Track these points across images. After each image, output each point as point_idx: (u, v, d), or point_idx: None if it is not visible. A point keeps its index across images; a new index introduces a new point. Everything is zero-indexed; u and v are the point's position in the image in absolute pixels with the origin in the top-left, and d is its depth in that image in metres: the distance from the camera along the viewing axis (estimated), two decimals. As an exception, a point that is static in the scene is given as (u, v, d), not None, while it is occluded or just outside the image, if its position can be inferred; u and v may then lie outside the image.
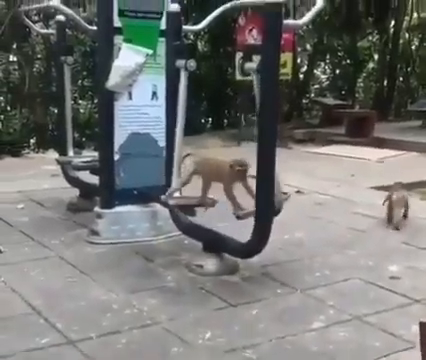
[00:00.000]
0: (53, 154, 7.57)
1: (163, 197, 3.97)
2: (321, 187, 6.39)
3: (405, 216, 5.04)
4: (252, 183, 3.59)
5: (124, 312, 3.19)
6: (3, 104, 12.82)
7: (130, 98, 4.43)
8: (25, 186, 6.19)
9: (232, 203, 3.73)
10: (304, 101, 16.48)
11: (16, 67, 12.99)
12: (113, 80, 4.30)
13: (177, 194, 4.06)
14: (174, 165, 4.02)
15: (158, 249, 4.25)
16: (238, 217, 3.71)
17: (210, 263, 3.77)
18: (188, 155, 4.08)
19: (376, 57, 17.77)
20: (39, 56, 13.53)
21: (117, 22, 4.34)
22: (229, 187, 3.72)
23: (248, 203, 3.68)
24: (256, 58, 3.54)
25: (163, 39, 4.38)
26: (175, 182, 4.01)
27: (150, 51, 4.42)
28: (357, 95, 17.74)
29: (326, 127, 11.88)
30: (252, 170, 3.60)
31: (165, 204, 4.02)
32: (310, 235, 4.62)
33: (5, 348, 2.76)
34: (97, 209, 4.46)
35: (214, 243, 3.87)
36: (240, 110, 12.13)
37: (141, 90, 4.44)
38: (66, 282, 3.61)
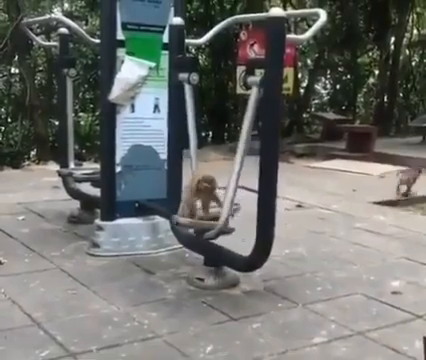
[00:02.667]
0: (54, 166, 7.58)
1: (174, 220, 3.80)
2: (322, 202, 6.38)
3: (409, 189, 6.84)
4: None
5: (125, 325, 3.17)
6: (4, 116, 12.86)
7: (133, 111, 4.43)
8: (26, 198, 6.18)
9: (186, 208, 3.70)
10: (304, 116, 16.53)
11: (17, 79, 13.05)
12: (115, 92, 4.30)
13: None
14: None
15: (159, 262, 4.23)
16: (177, 223, 3.71)
17: (211, 277, 3.75)
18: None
19: (376, 73, 17.85)
20: (40, 68, 13.60)
21: (120, 35, 4.34)
22: (192, 199, 3.69)
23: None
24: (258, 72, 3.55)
25: (166, 52, 4.39)
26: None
27: (153, 64, 4.43)
28: (357, 110, 17.79)
29: (327, 142, 11.90)
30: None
31: (176, 224, 3.86)
32: (311, 249, 4.61)
33: (5, 360, 2.75)
34: (98, 221, 4.45)
35: (215, 257, 3.86)
36: (240, 124, 12.17)
37: (143, 103, 4.45)
38: (66, 294, 3.59)
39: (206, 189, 3.65)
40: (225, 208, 3.53)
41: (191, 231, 3.89)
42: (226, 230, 3.60)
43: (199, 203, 3.75)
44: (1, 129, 12.63)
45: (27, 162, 11.41)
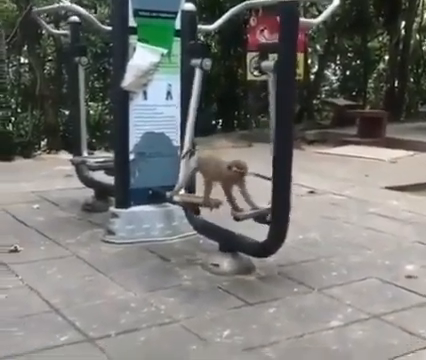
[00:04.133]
0: (65, 155, 7.63)
1: (168, 193, 3.99)
2: (335, 187, 6.38)
3: None
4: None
5: (142, 310, 3.19)
6: (14, 106, 12.88)
7: (145, 98, 4.44)
8: (39, 186, 6.21)
9: (230, 204, 3.72)
10: (315, 102, 16.46)
11: (27, 69, 13.07)
12: (128, 80, 4.31)
13: (182, 191, 4.06)
14: (180, 161, 4.02)
15: (174, 249, 4.25)
16: (236, 219, 3.70)
17: (226, 262, 3.77)
18: (191, 152, 4.04)
19: (387, 58, 17.72)
20: (50, 58, 13.60)
21: (132, 22, 4.34)
22: (227, 188, 3.70)
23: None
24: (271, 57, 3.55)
25: (178, 38, 4.39)
26: (181, 179, 4.01)
27: (165, 50, 4.43)
28: (368, 96, 17.69)
29: (337, 128, 11.87)
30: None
31: (170, 200, 4.03)
32: (325, 235, 4.61)
33: (23, 346, 2.77)
34: (112, 209, 4.47)
35: (230, 242, 3.87)
36: (250, 111, 12.13)
37: (156, 90, 4.45)
38: (83, 281, 3.62)
39: (237, 175, 3.61)
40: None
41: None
42: None
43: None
44: (11, 119, 12.64)
45: (38, 152, 11.44)
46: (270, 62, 3.49)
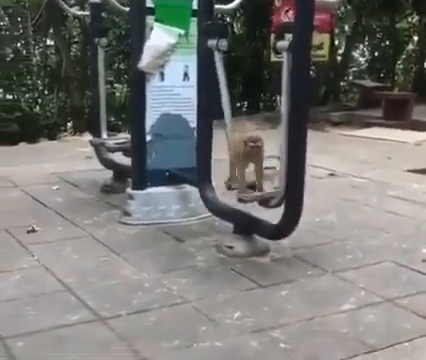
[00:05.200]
0: (89, 137, 7.66)
1: (240, 196, 3.72)
2: (356, 170, 6.30)
3: None
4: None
5: (154, 291, 3.21)
6: (41, 88, 13.00)
7: (162, 79, 4.42)
8: (60, 168, 6.27)
9: (240, 184, 3.68)
10: (342, 84, 16.25)
11: (53, 51, 13.17)
12: (145, 60, 4.30)
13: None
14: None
15: (189, 230, 4.26)
16: (241, 200, 3.66)
17: (240, 244, 3.76)
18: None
19: (416, 38, 17.39)
20: (76, 40, 13.68)
21: (149, 2, 4.32)
22: (242, 166, 3.65)
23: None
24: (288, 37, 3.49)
25: (195, 19, 4.35)
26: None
27: (182, 31, 4.40)
28: (396, 78, 17.40)
29: (363, 110, 11.70)
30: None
31: (242, 201, 3.76)
32: (343, 218, 4.57)
33: (35, 324, 2.81)
34: (129, 190, 4.49)
35: (245, 225, 3.86)
36: (275, 92, 12.04)
37: (173, 71, 4.43)
38: (98, 261, 3.65)
39: (253, 150, 3.56)
40: (282, 173, 3.49)
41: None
42: None
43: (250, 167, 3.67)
44: (38, 101, 12.76)
45: (64, 134, 11.56)
46: (285, 42, 3.44)
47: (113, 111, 11.47)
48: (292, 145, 3.43)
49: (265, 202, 3.63)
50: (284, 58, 3.46)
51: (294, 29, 3.39)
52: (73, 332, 2.75)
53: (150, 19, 4.35)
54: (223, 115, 3.92)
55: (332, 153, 7.22)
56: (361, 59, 18.94)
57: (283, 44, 3.47)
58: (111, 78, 13.09)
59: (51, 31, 12.41)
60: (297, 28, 3.35)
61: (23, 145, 8.56)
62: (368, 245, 3.96)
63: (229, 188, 3.84)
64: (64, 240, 4.02)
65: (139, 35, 4.37)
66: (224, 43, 3.92)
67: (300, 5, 3.36)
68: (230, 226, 3.94)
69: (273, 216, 3.59)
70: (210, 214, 4.27)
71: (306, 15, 3.35)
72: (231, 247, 3.76)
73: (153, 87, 4.40)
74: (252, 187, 3.70)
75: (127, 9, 5.41)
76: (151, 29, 4.34)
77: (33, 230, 4.17)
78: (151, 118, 4.42)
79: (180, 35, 4.41)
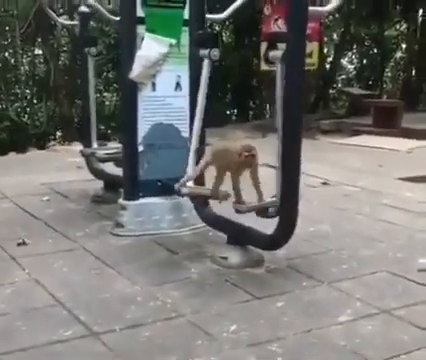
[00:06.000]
0: (78, 146, 7.60)
1: (176, 185, 3.91)
2: (348, 178, 6.29)
3: None
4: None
5: (148, 304, 3.16)
6: (29, 97, 12.93)
7: (154, 89, 4.39)
8: (50, 178, 6.20)
9: (235, 195, 3.66)
10: (331, 91, 16.32)
11: (41, 60, 13.10)
12: (136, 70, 4.26)
13: (191, 183, 3.98)
14: (190, 154, 3.95)
15: (182, 241, 4.21)
16: (238, 211, 3.64)
17: (234, 255, 3.72)
18: (204, 146, 3.98)
19: (404, 46, 17.50)
20: (64, 49, 13.62)
21: (140, 12, 4.29)
22: (235, 177, 3.63)
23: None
24: (281, 47, 3.47)
25: (187, 28, 4.32)
26: (190, 171, 3.94)
27: (173, 41, 4.37)
28: (384, 85, 17.49)
29: (353, 117, 11.73)
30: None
31: (178, 192, 3.96)
32: (337, 227, 4.54)
33: (28, 340, 2.75)
34: (121, 201, 4.44)
35: (239, 235, 3.82)
36: (265, 101, 12.04)
37: (165, 81, 4.39)
38: (90, 274, 3.59)
39: (248, 159, 3.53)
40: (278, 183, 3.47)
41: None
42: None
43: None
44: (26, 110, 12.69)
45: (52, 143, 11.48)
46: (278, 52, 3.42)
47: (102, 120, 11.40)
48: (286, 154, 3.40)
49: (263, 212, 3.59)
50: (277, 68, 3.44)
51: (287, 39, 3.37)
52: (66, 348, 2.70)
53: (141, 29, 4.31)
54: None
55: (324, 162, 7.21)
56: (349, 67, 19.04)
57: (276, 54, 3.45)
58: (100, 87, 13.03)
59: (39, 40, 12.34)
60: (291, 38, 3.33)
61: (12, 155, 8.49)
62: (363, 255, 3.93)
63: (216, 198, 3.83)
64: (55, 253, 3.96)
65: (130, 45, 4.33)
66: (216, 53, 3.90)
67: (293, 15, 3.33)
68: (224, 237, 3.90)
69: (267, 226, 3.55)
70: (203, 224, 4.23)
71: (299, 25, 3.33)
72: (225, 258, 3.72)
73: (145, 97, 4.36)
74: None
75: (116, 18, 5.40)
76: (142, 39, 4.30)
77: (23, 243, 4.11)
78: (143, 128, 4.37)
79: (171, 45, 4.38)
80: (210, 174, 3.84)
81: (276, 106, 3.51)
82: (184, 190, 3.93)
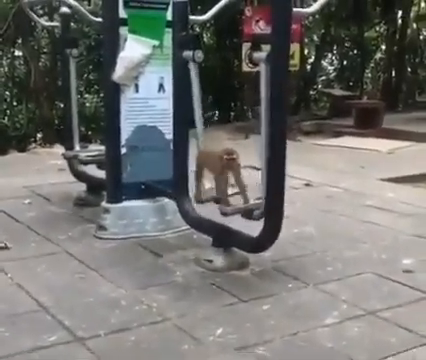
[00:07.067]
0: (60, 149, 7.53)
1: (222, 209, 3.64)
2: (331, 179, 6.31)
3: None
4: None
5: (133, 308, 3.12)
6: (9, 99, 12.80)
7: (137, 91, 4.35)
8: (31, 181, 6.13)
9: (220, 197, 3.64)
10: (311, 92, 16.39)
11: (21, 62, 12.97)
12: (119, 72, 4.22)
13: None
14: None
15: (167, 244, 4.18)
16: (224, 214, 3.61)
17: (220, 258, 3.69)
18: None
19: (384, 47, 17.65)
20: (45, 50, 13.51)
21: (122, 13, 4.25)
22: (219, 179, 3.61)
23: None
24: (265, 48, 3.46)
25: (170, 30, 4.29)
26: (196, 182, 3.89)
27: (156, 42, 4.34)
28: (365, 86, 17.62)
29: (334, 119, 11.80)
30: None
31: (225, 214, 3.65)
32: (321, 229, 4.54)
33: (12, 346, 2.70)
34: (104, 204, 4.40)
35: (224, 237, 3.80)
36: (247, 103, 12.05)
37: (148, 82, 4.37)
38: (74, 278, 3.55)
39: (229, 163, 3.52)
40: (263, 184, 3.44)
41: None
42: None
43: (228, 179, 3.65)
44: (7, 112, 12.57)
45: (33, 145, 11.37)
46: (262, 53, 3.41)
47: (83, 121, 11.34)
48: (271, 156, 3.39)
49: (248, 214, 3.58)
50: (261, 69, 3.43)
51: (271, 40, 3.36)
52: (51, 354, 2.65)
53: (123, 30, 4.28)
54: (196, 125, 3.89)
55: (306, 163, 7.22)
56: (330, 68, 19.14)
57: (260, 55, 3.44)
58: (81, 88, 12.94)
59: (19, 42, 12.22)
60: (275, 39, 3.32)
61: (-8, 157, 8.39)
62: (348, 256, 3.93)
63: (199, 201, 3.82)
64: (38, 257, 3.90)
65: (112, 46, 4.29)
66: (200, 54, 3.88)
67: (277, 16, 3.32)
68: (209, 239, 3.87)
69: (253, 228, 3.54)
70: (188, 227, 4.21)
71: (284, 26, 3.32)
72: (210, 261, 3.69)
73: (128, 99, 4.33)
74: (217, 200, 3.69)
75: (98, 19, 5.36)
76: (125, 40, 4.27)
77: (5, 247, 4.04)
78: (126, 130, 4.34)
79: (154, 46, 4.35)
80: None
81: (260, 107, 3.50)
82: (229, 211, 3.63)
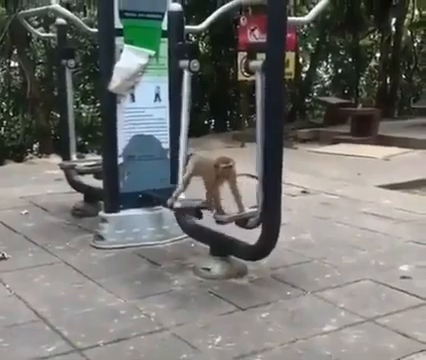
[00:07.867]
0: (56, 159, 7.54)
1: (169, 201, 3.87)
2: (328, 187, 6.32)
3: None
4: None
5: (131, 318, 3.12)
6: (5, 109, 12.81)
7: (133, 100, 4.37)
8: (29, 191, 6.13)
9: (215, 205, 3.64)
10: (307, 101, 16.44)
11: (17, 72, 12.99)
12: (115, 82, 4.24)
13: (182, 196, 3.97)
14: (179, 167, 3.93)
15: (164, 253, 4.19)
16: (219, 222, 3.62)
17: (217, 266, 3.70)
18: (190, 155, 3.97)
19: (378, 55, 17.71)
20: (40, 61, 13.52)
21: (118, 23, 4.27)
22: (213, 187, 3.61)
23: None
24: (260, 57, 3.48)
25: (166, 40, 4.31)
26: (180, 184, 3.91)
27: (152, 52, 4.36)
28: (360, 93, 17.68)
29: (330, 126, 11.83)
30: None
31: (170, 207, 3.93)
32: (318, 236, 4.55)
33: (10, 357, 2.70)
34: (101, 213, 4.40)
35: (221, 246, 3.81)
36: (243, 111, 12.06)
37: (144, 92, 4.38)
38: (72, 288, 3.55)
39: (225, 171, 3.51)
40: (259, 192, 3.45)
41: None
42: None
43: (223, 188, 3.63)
44: (3, 123, 12.57)
45: (30, 155, 11.37)
46: (258, 62, 3.43)
47: (80, 131, 11.34)
48: (268, 164, 3.40)
49: (243, 222, 3.58)
50: (257, 77, 3.44)
51: (267, 49, 3.37)
52: (50, 365, 2.66)
53: (119, 41, 4.29)
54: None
55: (303, 170, 7.24)
56: (325, 76, 19.20)
57: (256, 64, 3.46)
58: (77, 99, 12.96)
59: (15, 52, 12.23)
60: (270, 48, 3.34)
61: (-11, 169, 8.39)
62: (345, 263, 3.94)
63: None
64: (36, 267, 3.90)
65: (108, 57, 4.30)
66: (196, 64, 3.89)
67: (273, 25, 3.34)
68: (206, 248, 3.88)
69: (251, 236, 3.54)
70: (186, 236, 4.21)
71: (279, 34, 3.34)
72: (208, 269, 3.70)
73: (124, 109, 4.34)
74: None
75: (94, 30, 5.38)
76: (121, 51, 4.28)
77: (3, 257, 4.04)
78: (123, 140, 4.35)
79: (150, 56, 4.37)
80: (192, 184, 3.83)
81: (256, 115, 3.51)
82: (177, 204, 3.84)
